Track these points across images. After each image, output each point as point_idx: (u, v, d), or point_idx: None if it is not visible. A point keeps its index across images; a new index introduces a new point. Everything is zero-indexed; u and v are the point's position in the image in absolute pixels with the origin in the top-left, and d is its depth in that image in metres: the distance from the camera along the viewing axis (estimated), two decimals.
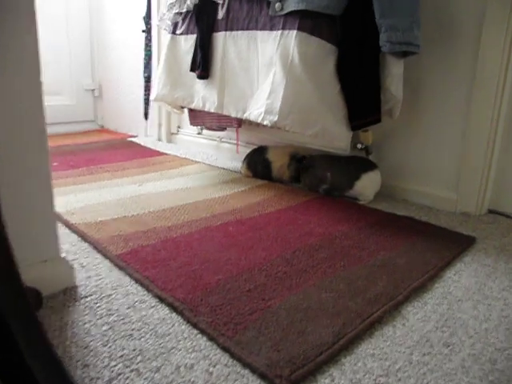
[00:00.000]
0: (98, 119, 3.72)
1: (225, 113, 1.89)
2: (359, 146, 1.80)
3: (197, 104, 2.00)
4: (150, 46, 2.93)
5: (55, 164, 2.22)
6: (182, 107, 2.25)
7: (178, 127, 2.89)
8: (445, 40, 1.59)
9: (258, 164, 1.99)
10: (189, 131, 2.77)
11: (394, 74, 1.56)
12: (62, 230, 1.34)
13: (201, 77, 1.93)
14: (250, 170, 2.02)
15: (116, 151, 2.61)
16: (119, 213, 1.49)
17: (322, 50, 1.53)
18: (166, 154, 2.54)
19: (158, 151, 2.61)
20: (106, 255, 1.16)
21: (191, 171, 2.11)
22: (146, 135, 3.13)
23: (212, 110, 1.92)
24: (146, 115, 3.08)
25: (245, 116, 1.77)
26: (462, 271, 1.14)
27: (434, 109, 1.65)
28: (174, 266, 1.09)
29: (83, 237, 1.28)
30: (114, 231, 1.32)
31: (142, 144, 2.85)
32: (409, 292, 0.99)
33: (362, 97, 1.58)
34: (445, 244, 1.28)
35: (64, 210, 1.51)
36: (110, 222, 1.40)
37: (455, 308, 0.96)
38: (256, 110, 1.69)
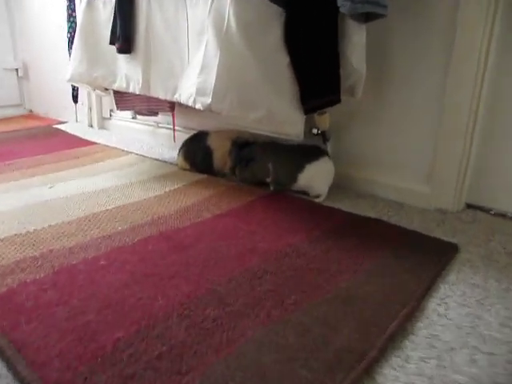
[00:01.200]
0: (26, 103, 3.29)
1: (152, 94, 1.55)
2: (314, 131, 1.51)
3: (119, 84, 1.65)
4: (74, 17, 2.51)
5: None
6: (106, 89, 1.89)
7: (111, 111, 2.52)
8: (420, 7, 1.30)
9: (196, 153, 1.68)
10: (123, 115, 2.41)
11: (356, 42, 1.27)
12: None
13: (121, 50, 1.58)
14: (187, 161, 1.70)
15: (36, 142, 2.23)
16: (11, 228, 1.15)
17: (264, 12, 1.22)
18: (94, 143, 2.19)
19: (86, 140, 2.25)
20: None
21: (119, 165, 1.77)
22: (77, 121, 2.75)
23: (137, 92, 1.58)
24: (74, 98, 2.69)
25: (175, 98, 1.45)
26: (447, 298, 0.87)
27: (404, 88, 1.37)
28: (60, 316, 0.78)
29: None
30: None
31: (69, 132, 2.47)
32: (385, 342, 0.72)
33: (316, 72, 1.28)
34: (423, 258, 1.01)
35: None
36: None
37: (447, 364, 0.69)
38: (186, 91, 1.36)
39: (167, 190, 1.46)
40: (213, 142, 1.63)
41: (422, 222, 1.25)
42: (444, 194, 1.33)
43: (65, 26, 2.53)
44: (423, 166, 1.38)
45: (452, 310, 0.84)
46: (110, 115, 2.52)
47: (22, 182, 1.56)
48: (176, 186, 1.50)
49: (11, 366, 0.66)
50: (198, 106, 1.29)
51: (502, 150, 1.28)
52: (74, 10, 2.51)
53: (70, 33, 2.53)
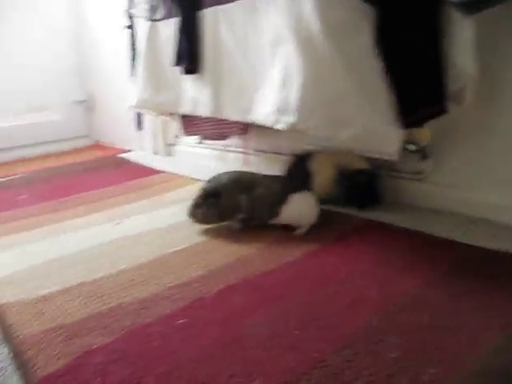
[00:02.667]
0: (92, 134, 3.28)
1: (224, 116, 1.40)
2: (412, 147, 1.28)
3: (186, 108, 1.53)
4: (136, 44, 2.45)
5: (23, 197, 1.78)
6: (172, 114, 1.78)
7: (176, 137, 2.41)
8: None
9: (295, 177, 1.44)
10: (188, 140, 2.30)
11: (462, 39, 1.05)
12: None
13: (188, 71, 1.45)
14: None
15: (102, 173, 2.16)
16: (75, 277, 1.02)
17: (352, 12, 1.03)
18: (160, 171, 2.07)
19: (152, 169, 2.15)
20: (26, 378, 0.69)
21: (188, 194, 1.62)
22: (142, 149, 2.67)
23: (206, 115, 1.44)
24: (138, 125, 2.62)
25: (249, 119, 1.29)
26: None
27: None
28: None
29: (6, 333, 0.81)
30: (55, 318, 0.85)
31: (134, 161, 2.39)
32: None
33: (416, 78, 1.07)
34: None
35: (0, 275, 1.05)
36: (56, 296, 0.93)
37: None
38: (264, 110, 1.20)
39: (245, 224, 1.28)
40: (315, 165, 1.41)
41: None
42: None
43: (127, 54, 2.47)
44: None
45: None
46: (175, 141, 2.42)
47: (88, 219, 1.44)
48: None
49: None
50: (280, 125, 1.13)
51: None
52: (135, 38, 2.45)
53: (133, 61, 2.47)
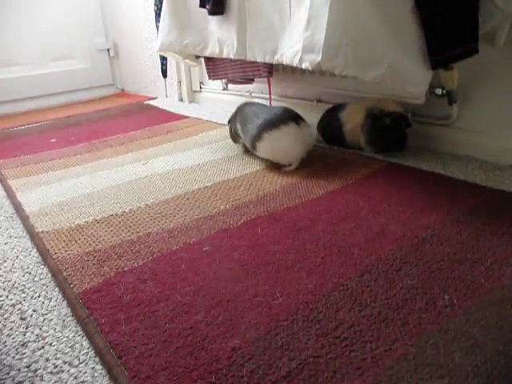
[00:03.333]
0: (117, 82, 3.30)
1: (249, 58, 1.39)
2: (439, 91, 1.26)
3: (212, 50, 1.52)
4: None
5: (53, 141, 1.84)
6: (197, 57, 1.77)
7: (201, 83, 2.41)
8: None
9: (327, 127, 1.46)
10: (213, 87, 2.30)
11: None
12: (22, 244, 0.94)
13: (213, 12, 1.44)
14: (321, 135, 1.49)
15: (128, 118, 2.19)
16: (107, 209, 1.07)
17: None
18: (185, 117, 2.09)
19: (177, 114, 2.17)
20: (64, 293, 0.74)
21: (213, 138, 1.65)
22: (167, 96, 2.68)
23: (231, 56, 1.44)
24: (163, 73, 2.61)
25: (276, 59, 1.28)
26: None
27: None
28: (163, 315, 0.66)
29: (44, 256, 0.87)
30: (89, 243, 0.90)
31: (160, 107, 2.41)
32: None
33: (447, 15, 1.04)
34: None
35: (37, 207, 1.11)
36: (89, 225, 0.98)
37: None
38: (290, 49, 1.19)
39: (269, 163, 1.30)
40: (345, 114, 1.39)
41: None
42: None
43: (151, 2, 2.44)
44: None
45: None
46: (201, 88, 2.42)
47: (116, 160, 1.49)
48: None
49: (113, 378, 0.55)
50: (306, 65, 1.12)
51: None
52: None
53: (157, 5, 2.44)
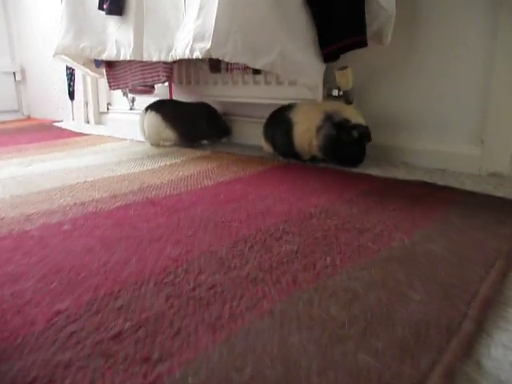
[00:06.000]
0: (24, 108, 3.10)
1: (145, 58, 1.33)
2: (335, 92, 1.26)
3: (109, 53, 1.44)
4: None
5: None
6: (102, 66, 1.68)
7: (109, 104, 2.31)
8: None
9: (276, 130, 1.26)
10: (120, 107, 2.20)
11: None
12: None
13: (110, 11, 1.37)
14: (268, 141, 1.31)
15: (24, 135, 2.02)
16: None
17: None
18: (87, 134, 1.96)
19: (79, 133, 2.03)
20: None
21: (112, 148, 1.54)
22: (73, 119, 2.54)
23: (128, 57, 1.36)
24: (70, 95, 2.49)
25: (170, 55, 1.22)
26: None
27: (444, 31, 1.13)
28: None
29: None
30: None
31: (64, 127, 2.26)
32: (481, 310, 0.45)
33: (336, 8, 1.04)
34: (494, 216, 0.75)
35: None
36: None
37: None
38: (182, 41, 1.14)
39: (163, 164, 1.21)
40: (296, 114, 1.20)
41: (475, 185, 0.99)
42: (498, 155, 1.07)
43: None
44: (470, 125, 1.12)
45: None
46: (108, 109, 2.31)
47: (5, 163, 1.33)
48: (174, 161, 1.26)
49: None
50: (197, 54, 1.07)
51: None
52: None
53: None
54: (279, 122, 1.24)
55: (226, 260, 0.58)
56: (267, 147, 1.31)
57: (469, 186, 0.98)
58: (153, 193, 0.92)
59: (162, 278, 0.53)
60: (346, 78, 1.20)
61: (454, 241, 0.64)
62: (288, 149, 1.22)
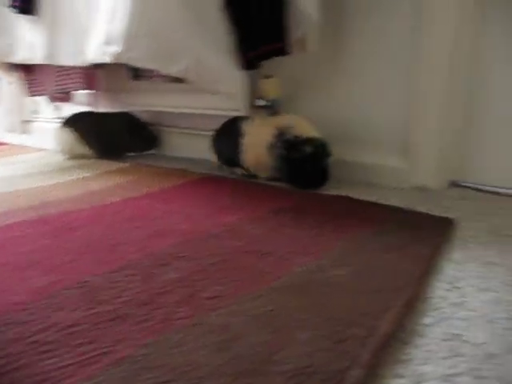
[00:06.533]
0: None
1: (58, 62, 1.23)
2: (260, 102, 1.20)
3: (21, 55, 1.33)
4: None
5: None
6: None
7: (34, 112, 2.16)
8: None
9: (224, 141, 1.18)
10: (47, 116, 2.06)
11: None
12: None
13: (22, 10, 1.26)
14: (216, 153, 1.22)
15: None
16: None
17: None
18: (7, 144, 1.82)
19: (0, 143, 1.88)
20: None
21: (25, 159, 1.42)
22: None
23: (40, 61, 1.26)
24: None
25: (82, 60, 1.13)
26: (459, 281, 0.57)
27: (369, 41, 1.10)
28: None
29: None
30: None
31: None
32: (374, 354, 0.39)
33: (255, 14, 0.99)
34: (413, 234, 0.71)
35: None
36: None
37: None
38: (94, 45, 1.05)
39: (74, 177, 1.12)
40: (248, 126, 1.11)
41: (400, 199, 0.96)
42: (424, 169, 1.05)
43: None
44: (396, 136, 1.09)
45: (470, 296, 0.53)
46: (33, 118, 2.16)
47: None
48: (86, 175, 1.16)
49: None
50: (107, 58, 0.99)
51: (489, 118, 1.01)
52: None
53: None
54: (229, 133, 1.15)
55: (97, 292, 0.50)
56: (215, 159, 1.22)
57: (394, 200, 0.95)
58: (51, 210, 0.82)
59: (13, 317, 0.44)
60: (270, 88, 1.15)
61: (364, 264, 0.58)
62: (235, 161, 1.12)
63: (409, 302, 0.48)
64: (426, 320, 0.47)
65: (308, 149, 0.99)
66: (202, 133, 1.35)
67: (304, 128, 1.02)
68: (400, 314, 0.46)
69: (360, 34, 1.10)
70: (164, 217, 0.78)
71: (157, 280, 0.53)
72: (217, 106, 1.26)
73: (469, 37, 0.98)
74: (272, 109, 1.19)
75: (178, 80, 1.27)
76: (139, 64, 0.95)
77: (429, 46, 0.99)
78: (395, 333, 0.43)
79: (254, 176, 1.12)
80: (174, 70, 0.96)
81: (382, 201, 0.94)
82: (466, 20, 0.97)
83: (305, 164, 1.00)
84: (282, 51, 1.00)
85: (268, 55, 1.00)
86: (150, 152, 1.49)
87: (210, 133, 1.22)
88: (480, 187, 1.06)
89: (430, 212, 0.85)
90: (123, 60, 0.95)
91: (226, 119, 1.19)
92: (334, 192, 0.99)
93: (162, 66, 0.96)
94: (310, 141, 0.99)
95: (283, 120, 1.06)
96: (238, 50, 1.00)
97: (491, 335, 0.44)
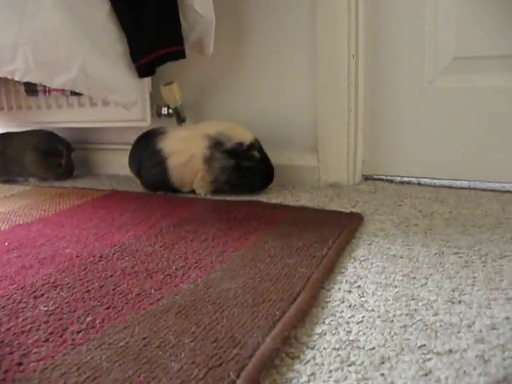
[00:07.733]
0: None
1: None
2: (164, 110, 1.14)
3: None
4: None
5: None
6: None
7: None
8: None
9: (144, 163, 1.05)
10: None
11: None
12: None
13: None
14: (136, 176, 1.11)
15: None
16: None
17: None
18: None
19: None
20: None
21: None
22: None
23: None
24: None
25: None
26: (361, 280, 0.54)
27: (268, 37, 1.08)
28: None
29: None
30: None
31: None
32: (255, 377, 0.35)
33: (146, 18, 0.94)
34: (316, 235, 0.68)
35: None
36: None
37: None
38: None
39: None
40: (169, 144, 1.00)
41: (311, 199, 0.94)
42: (335, 166, 1.04)
43: None
44: (305, 135, 1.07)
45: (371, 295, 0.50)
46: None
47: None
48: None
49: None
50: None
51: (394, 110, 1.02)
52: None
53: None
54: (147, 153, 1.03)
55: None
56: (137, 181, 1.11)
57: (305, 200, 0.92)
58: None
59: None
60: (172, 94, 1.09)
61: (259, 273, 0.54)
62: (164, 185, 1.02)
63: (301, 311, 0.44)
64: (320, 328, 0.43)
65: (256, 154, 0.96)
66: (124, 147, 1.24)
67: (239, 133, 0.97)
68: (290, 325, 0.42)
69: (260, 33, 1.08)
70: (50, 243, 0.70)
71: (21, 317, 0.46)
72: (122, 118, 1.18)
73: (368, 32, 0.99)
74: (177, 115, 1.14)
75: (75, 92, 1.19)
76: (20, 77, 0.86)
77: (325, 42, 0.98)
78: (283, 348, 0.39)
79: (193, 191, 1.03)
80: (60, 82, 0.88)
81: (294, 201, 0.91)
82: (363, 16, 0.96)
83: (258, 169, 0.97)
84: (178, 55, 0.95)
85: (161, 60, 0.95)
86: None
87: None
88: (392, 179, 1.07)
89: (340, 209, 0.83)
90: (2, 74, 0.86)
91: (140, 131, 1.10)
92: (246, 198, 0.95)
93: (46, 78, 0.88)
94: (253, 146, 0.96)
95: (209, 128, 0.98)
96: (132, 56, 0.94)
97: (386, 336, 0.41)
